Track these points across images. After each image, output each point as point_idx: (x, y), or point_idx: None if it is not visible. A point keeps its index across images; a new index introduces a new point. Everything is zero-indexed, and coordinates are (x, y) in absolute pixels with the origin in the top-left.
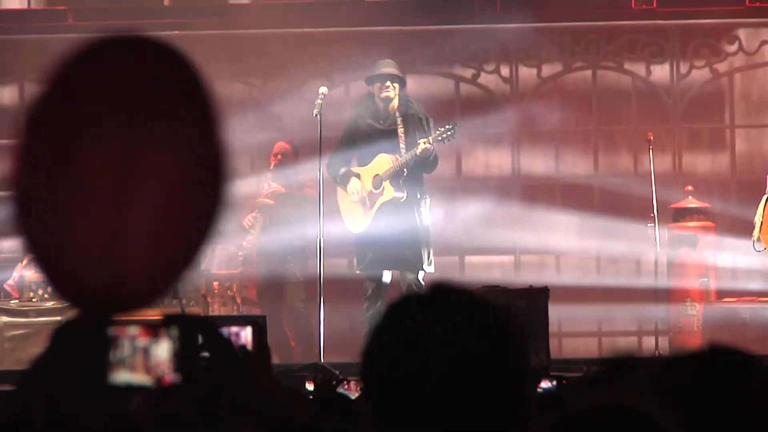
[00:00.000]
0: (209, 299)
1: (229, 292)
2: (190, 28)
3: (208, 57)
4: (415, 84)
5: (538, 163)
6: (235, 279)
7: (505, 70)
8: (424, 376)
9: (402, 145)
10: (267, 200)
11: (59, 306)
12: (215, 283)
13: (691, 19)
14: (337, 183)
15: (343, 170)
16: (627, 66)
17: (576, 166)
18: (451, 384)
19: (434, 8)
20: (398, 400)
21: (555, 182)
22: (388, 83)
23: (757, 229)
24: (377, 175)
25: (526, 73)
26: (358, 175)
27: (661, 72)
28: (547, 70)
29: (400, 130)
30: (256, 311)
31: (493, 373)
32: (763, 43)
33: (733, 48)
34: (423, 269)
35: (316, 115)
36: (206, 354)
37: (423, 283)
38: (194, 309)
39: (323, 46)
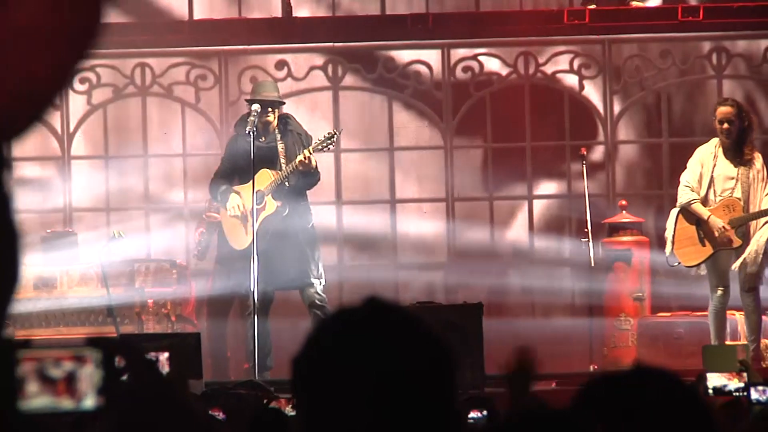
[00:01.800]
0: (143, 317)
1: (163, 309)
2: (115, 45)
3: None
4: (348, 100)
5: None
6: (168, 296)
7: (438, 85)
8: (356, 390)
9: (282, 160)
10: (215, 214)
11: None
12: (149, 301)
13: (623, 34)
14: (217, 202)
15: (223, 188)
16: (560, 80)
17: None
18: (383, 399)
19: (367, 24)
20: (330, 415)
21: (487, 201)
22: (270, 108)
23: (669, 243)
24: (258, 190)
25: (459, 87)
26: (238, 193)
27: (594, 86)
28: (479, 85)
29: (280, 146)
30: (190, 329)
31: (424, 389)
32: (696, 57)
33: (665, 63)
34: (311, 282)
35: (248, 132)
36: (128, 376)
37: (324, 296)
38: (128, 327)
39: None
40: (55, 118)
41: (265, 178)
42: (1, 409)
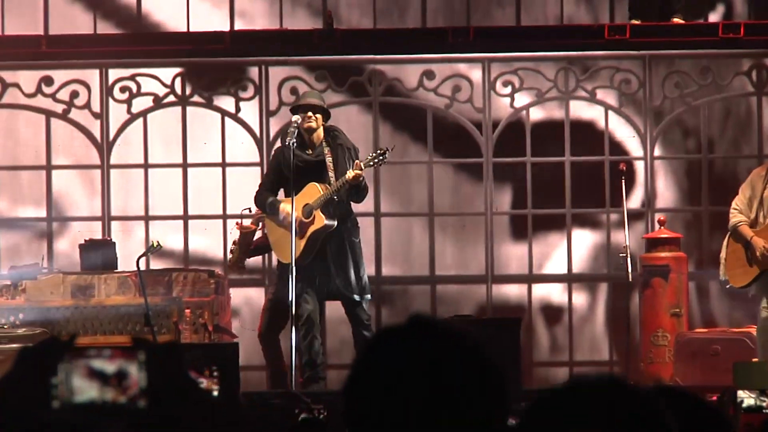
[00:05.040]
0: (181, 326)
1: (200, 319)
2: (159, 55)
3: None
4: (386, 112)
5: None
6: (206, 306)
7: (478, 100)
8: (405, 409)
9: (331, 174)
10: (251, 226)
11: (31, 332)
12: (187, 311)
13: (663, 50)
14: (265, 213)
15: (270, 199)
16: (599, 96)
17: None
18: (432, 416)
19: (407, 37)
20: None
21: (527, 213)
22: (310, 114)
23: (722, 266)
24: (307, 204)
25: (499, 102)
26: (287, 205)
27: (632, 101)
28: (521, 99)
29: (329, 160)
30: (227, 339)
31: (475, 404)
32: (737, 74)
33: (706, 80)
34: (355, 299)
35: (288, 144)
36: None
37: (369, 314)
38: (165, 336)
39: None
40: (94, 127)
41: (313, 191)
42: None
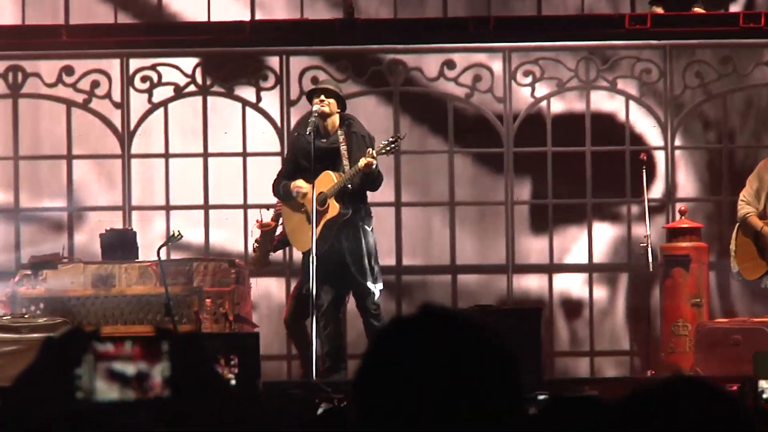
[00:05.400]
0: (201, 316)
1: (221, 309)
2: (176, 45)
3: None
4: (407, 101)
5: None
6: (227, 296)
7: (498, 91)
8: (418, 400)
9: (345, 162)
10: (270, 223)
11: (51, 322)
12: (207, 300)
13: (684, 39)
14: (281, 197)
15: (284, 183)
16: (620, 86)
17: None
18: (448, 407)
19: (428, 27)
20: (393, 425)
21: (548, 203)
22: (323, 97)
23: (732, 259)
24: (321, 192)
25: (519, 92)
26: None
27: (653, 91)
28: (541, 90)
29: (343, 148)
30: (248, 329)
31: (490, 394)
32: (758, 64)
33: (727, 70)
34: (369, 287)
35: (309, 134)
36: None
37: (378, 303)
38: (186, 326)
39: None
40: (115, 116)
41: (328, 180)
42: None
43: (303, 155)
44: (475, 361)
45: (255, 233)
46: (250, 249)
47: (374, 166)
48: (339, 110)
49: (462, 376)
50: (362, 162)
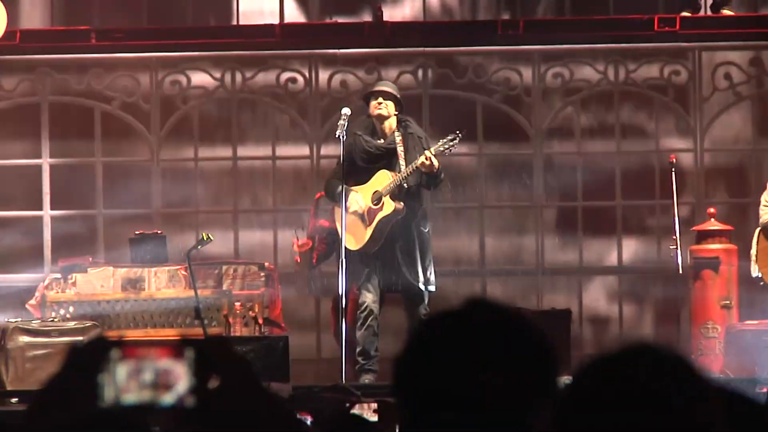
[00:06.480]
0: (231, 320)
1: (250, 312)
2: (205, 48)
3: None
4: (436, 104)
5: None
6: (256, 299)
7: (527, 93)
8: (460, 389)
9: (401, 162)
10: (306, 245)
11: (81, 326)
12: (237, 304)
13: (714, 41)
14: (335, 202)
15: (339, 188)
16: (650, 88)
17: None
18: (488, 397)
19: (457, 29)
20: (434, 416)
21: (577, 205)
22: (381, 100)
23: (753, 261)
24: (377, 191)
25: (549, 94)
26: (357, 192)
27: (682, 94)
28: (568, 90)
29: (400, 148)
30: (277, 332)
31: (529, 387)
32: None
33: (756, 72)
34: (422, 288)
35: (338, 136)
36: (221, 376)
37: (428, 310)
38: (215, 329)
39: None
40: (145, 120)
41: (383, 178)
42: (88, 406)
43: (360, 155)
44: (518, 355)
45: (293, 254)
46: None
47: (434, 164)
48: (396, 112)
49: (503, 370)
50: (420, 160)
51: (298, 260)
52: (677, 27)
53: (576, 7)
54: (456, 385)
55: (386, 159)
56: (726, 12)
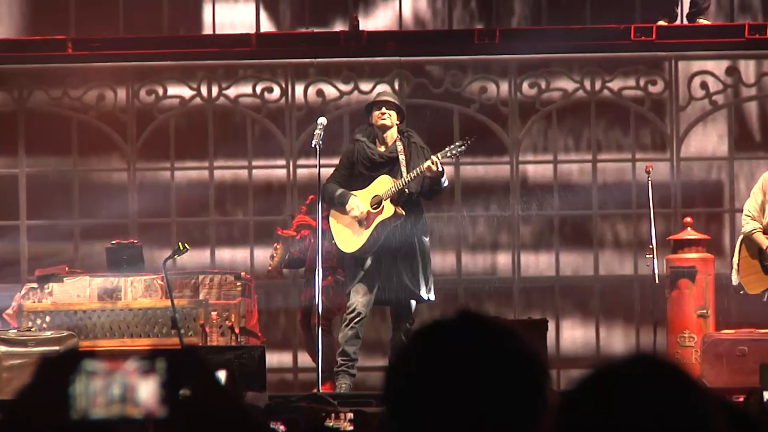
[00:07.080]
0: (207, 329)
1: (227, 322)
2: (182, 58)
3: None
4: (412, 114)
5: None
6: (233, 309)
7: (504, 102)
8: (450, 401)
9: (403, 170)
10: (290, 232)
11: (58, 335)
12: (213, 313)
13: (690, 51)
14: (333, 204)
15: (339, 191)
16: (626, 97)
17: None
18: (478, 410)
19: (433, 39)
20: (422, 425)
21: (554, 215)
22: (384, 109)
23: (734, 270)
24: (376, 195)
25: (525, 103)
26: (357, 197)
27: (658, 103)
28: (546, 99)
29: (402, 157)
30: (254, 341)
31: (518, 400)
32: (763, 75)
33: (731, 80)
34: (420, 296)
35: (314, 146)
36: (190, 387)
37: (414, 319)
38: (192, 339)
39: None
40: (121, 130)
41: (384, 183)
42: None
43: (363, 162)
44: (509, 368)
45: (275, 237)
46: (269, 256)
47: (441, 171)
48: (398, 122)
49: (494, 383)
50: (426, 164)
51: (276, 249)
52: (654, 36)
53: (552, 16)
54: (448, 398)
55: (388, 166)
56: (702, 21)
